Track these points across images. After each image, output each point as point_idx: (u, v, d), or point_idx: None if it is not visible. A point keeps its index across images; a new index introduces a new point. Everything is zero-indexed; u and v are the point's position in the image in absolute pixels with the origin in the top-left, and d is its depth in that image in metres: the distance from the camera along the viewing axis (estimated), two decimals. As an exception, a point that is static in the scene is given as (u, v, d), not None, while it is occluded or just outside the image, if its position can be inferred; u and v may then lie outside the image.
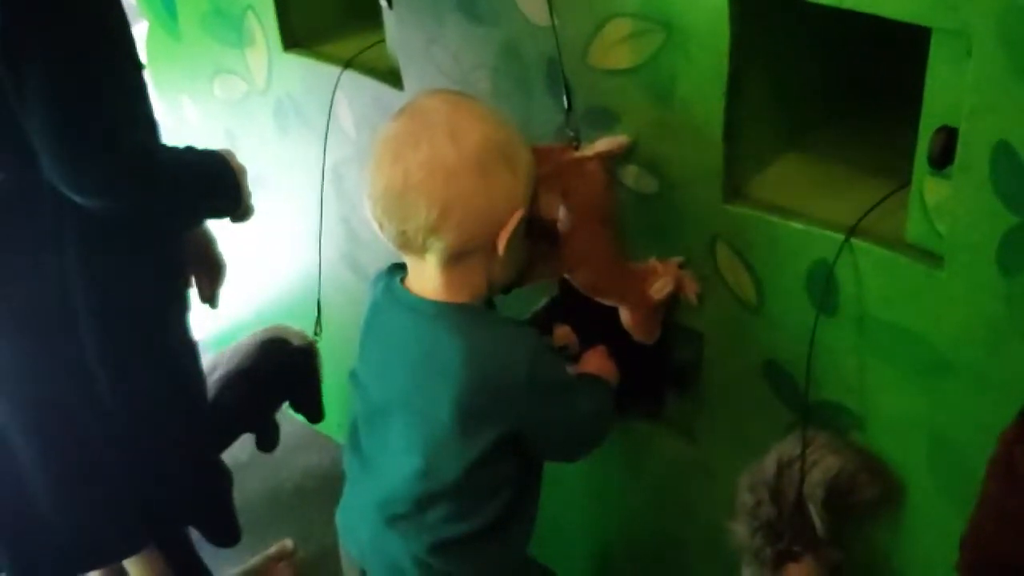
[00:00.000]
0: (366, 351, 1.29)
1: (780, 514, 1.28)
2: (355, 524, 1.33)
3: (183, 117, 2.01)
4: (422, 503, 1.24)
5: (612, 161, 1.30)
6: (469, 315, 1.20)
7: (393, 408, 1.24)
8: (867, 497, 1.27)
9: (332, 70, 1.65)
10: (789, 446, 1.28)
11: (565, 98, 1.31)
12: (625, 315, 1.31)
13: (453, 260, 1.17)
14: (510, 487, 1.26)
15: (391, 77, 1.58)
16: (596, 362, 1.39)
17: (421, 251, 1.17)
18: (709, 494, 1.46)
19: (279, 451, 1.86)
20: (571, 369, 1.36)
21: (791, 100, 1.29)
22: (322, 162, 1.68)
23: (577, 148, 1.30)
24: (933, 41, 1.04)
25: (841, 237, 1.17)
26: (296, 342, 1.74)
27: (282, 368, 1.74)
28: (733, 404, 1.39)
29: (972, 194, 1.05)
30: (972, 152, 1.03)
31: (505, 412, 1.19)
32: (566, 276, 1.32)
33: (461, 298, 1.19)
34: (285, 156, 1.82)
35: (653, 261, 1.33)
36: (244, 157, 1.87)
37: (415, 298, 1.21)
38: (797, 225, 1.21)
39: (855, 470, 1.26)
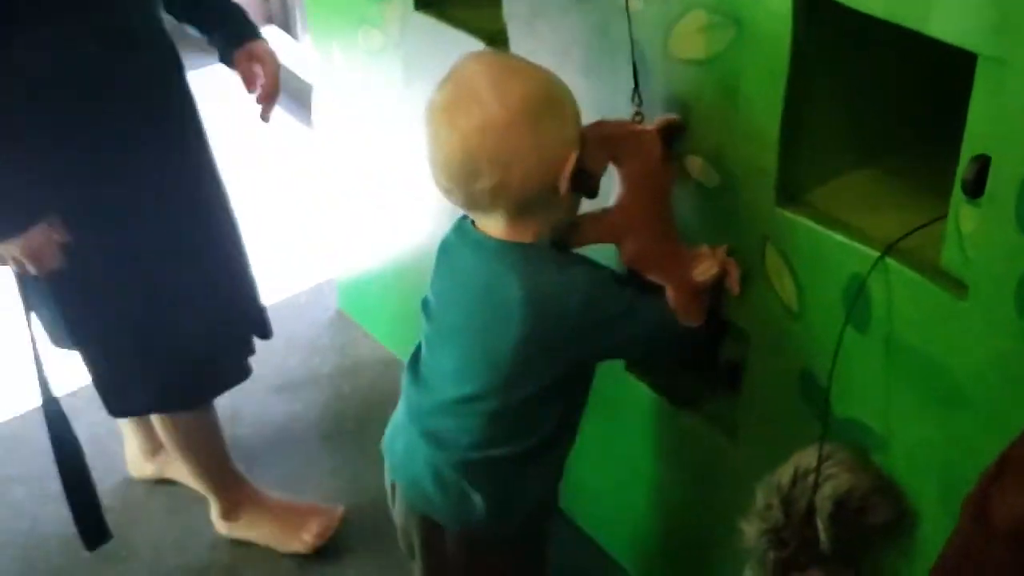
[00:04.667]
0: (436, 282, 1.36)
1: (788, 521, 1.28)
2: (394, 436, 1.42)
3: (332, 63, 2.11)
4: (461, 424, 1.32)
5: (670, 139, 1.33)
6: (530, 253, 1.26)
7: (453, 334, 1.32)
8: (878, 520, 1.25)
9: (454, 32, 1.72)
10: (808, 457, 1.28)
11: (632, 74, 1.34)
12: (670, 294, 1.33)
13: (519, 212, 1.24)
14: (547, 427, 1.33)
15: (503, 44, 1.63)
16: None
17: (490, 208, 1.24)
18: (742, 492, 1.47)
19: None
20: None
21: (862, 118, 1.28)
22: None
23: (640, 123, 1.33)
24: (977, 67, 1.02)
25: (877, 254, 1.16)
26: None
27: None
28: (771, 407, 1.39)
29: (997, 227, 1.03)
30: (1000, 184, 1.01)
31: (563, 348, 1.27)
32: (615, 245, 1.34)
33: (524, 239, 1.26)
34: (410, 108, 1.89)
35: (703, 246, 1.34)
36: (376, 105, 1.98)
37: (481, 235, 1.28)
38: (839, 237, 1.20)
39: (868, 491, 1.24)
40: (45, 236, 1.50)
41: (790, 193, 1.26)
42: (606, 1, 1.38)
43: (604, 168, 1.29)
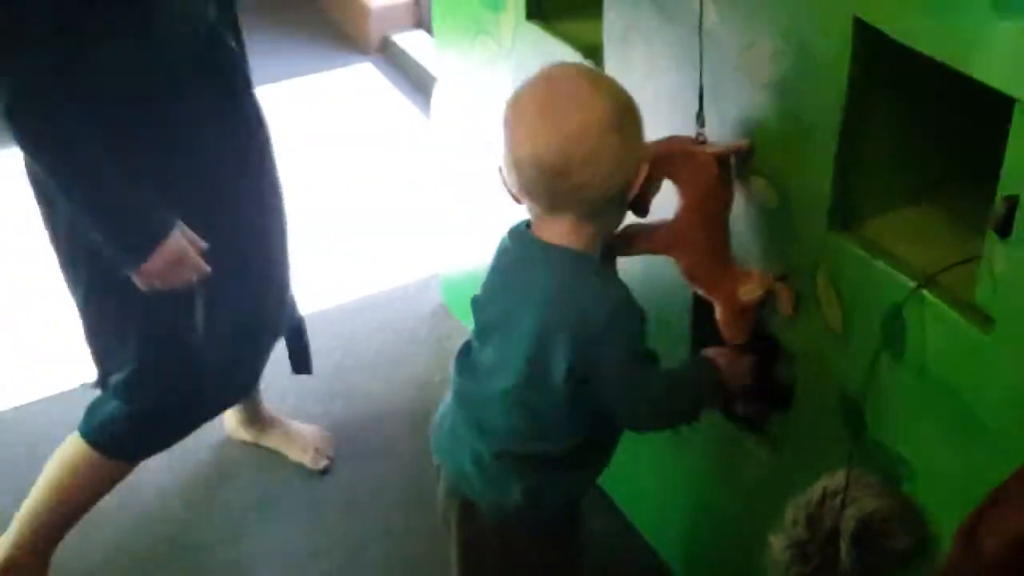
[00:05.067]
0: (488, 281, 1.42)
1: (812, 538, 1.32)
2: (442, 420, 1.49)
3: (452, 66, 2.21)
4: (502, 416, 1.38)
5: (729, 161, 1.38)
6: (580, 259, 1.31)
7: (495, 328, 1.38)
8: (899, 545, 1.28)
9: (558, 43, 1.79)
10: (837, 478, 1.31)
11: (699, 97, 1.40)
12: (717, 310, 1.38)
13: (588, 215, 1.29)
14: (580, 431, 1.38)
15: (599, 58, 1.70)
16: (722, 354, 1.45)
17: (562, 209, 1.29)
18: (782, 507, 1.50)
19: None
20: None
21: (918, 153, 1.30)
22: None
23: (702, 144, 1.39)
24: (1015, 111, 1.04)
25: (914, 284, 1.19)
26: None
27: None
28: (814, 427, 1.42)
29: (1021, 266, 1.05)
30: (1027, 224, 1.04)
31: (573, 348, 1.30)
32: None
33: (580, 245, 1.31)
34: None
35: (754, 268, 1.39)
36: (488, 108, 2.06)
37: (537, 238, 1.33)
38: (882, 265, 1.24)
39: (891, 516, 1.27)
40: (180, 244, 1.52)
41: (843, 220, 1.30)
42: (689, 25, 1.44)
43: (658, 186, 1.35)
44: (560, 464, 1.40)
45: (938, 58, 1.09)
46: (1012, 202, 1.06)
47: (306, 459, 2.10)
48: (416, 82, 3.42)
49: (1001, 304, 1.09)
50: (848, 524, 1.28)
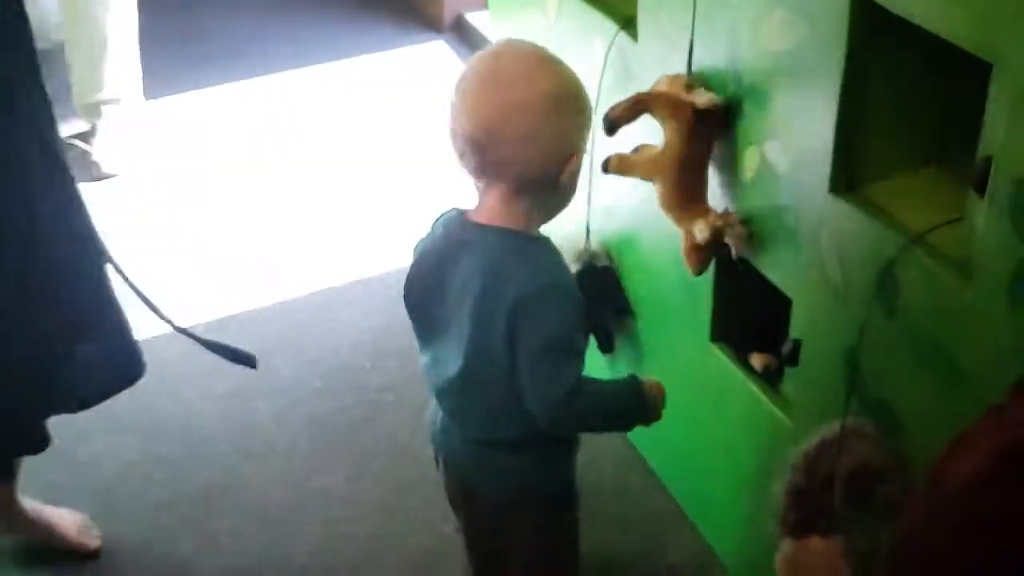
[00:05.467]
0: (420, 272, 1.43)
1: (809, 485, 1.39)
2: (433, 411, 1.52)
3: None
4: (459, 404, 1.42)
5: (712, 115, 1.50)
6: (513, 236, 1.34)
7: (449, 318, 1.39)
8: (889, 494, 1.34)
9: (597, 15, 1.87)
10: (834, 428, 1.38)
11: (689, 50, 1.56)
12: (681, 240, 1.56)
13: (518, 191, 1.33)
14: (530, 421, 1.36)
15: (632, 29, 1.78)
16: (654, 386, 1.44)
17: (494, 179, 1.33)
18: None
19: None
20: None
21: (925, 120, 1.36)
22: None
23: (691, 91, 1.51)
24: (992, 74, 1.10)
25: (905, 242, 1.25)
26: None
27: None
28: (819, 383, 1.48)
29: (996, 223, 1.11)
30: (999, 184, 1.10)
31: (505, 321, 1.30)
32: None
33: (516, 225, 1.35)
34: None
35: (712, 208, 1.53)
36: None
37: (469, 221, 1.37)
38: (877, 224, 1.30)
39: (883, 466, 1.34)
40: None
41: (845, 183, 1.36)
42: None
43: (630, 117, 1.50)
44: (530, 448, 1.42)
45: (923, 25, 1.15)
46: (988, 162, 1.11)
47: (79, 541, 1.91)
48: (487, 59, 3.51)
49: (979, 260, 1.15)
50: (841, 470, 1.35)
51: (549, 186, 1.35)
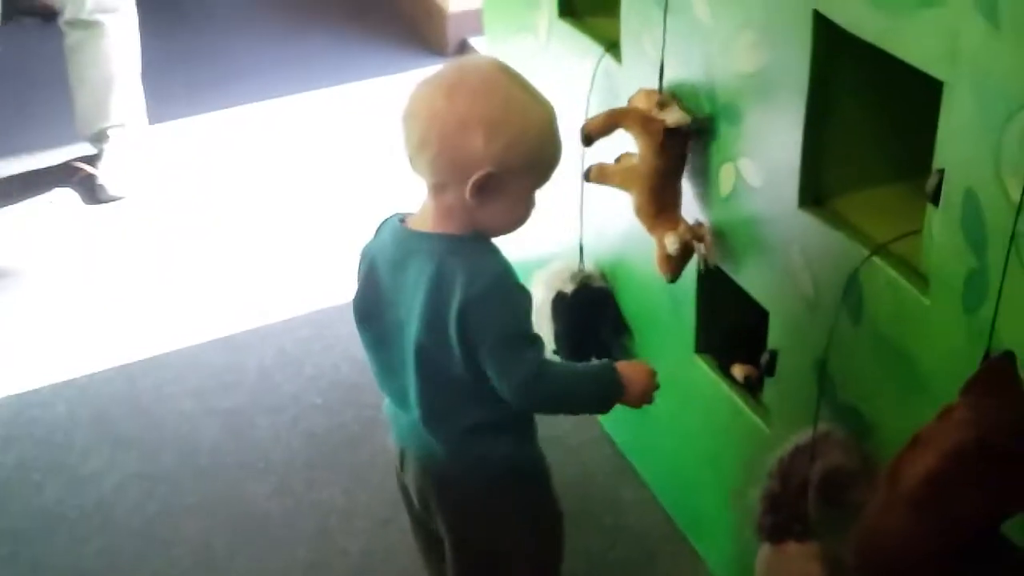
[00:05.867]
0: (369, 277, 1.47)
1: (784, 490, 1.43)
2: (396, 411, 1.54)
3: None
4: (424, 403, 1.44)
5: (683, 131, 1.56)
6: (453, 240, 1.39)
7: (402, 322, 1.43)
8: (862, 496, 1.37)
9: (584, 39, 1.93)
10: (808, 435, 1.42)
11: (659, 74, 1.62)
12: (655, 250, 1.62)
13: (435, 190, 1.40)
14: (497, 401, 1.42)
15: (616, 51, 1.83)
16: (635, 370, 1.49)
17: (421, 175, 1.40)
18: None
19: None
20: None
21: (892, 137, 1.40)
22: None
23: (664, 108, 1.58)
24: (943, 91, 1.15)
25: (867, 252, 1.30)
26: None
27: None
28: (794, 392, 1.53)
29: (949, 232, 1.16)
30: (951, 195, 1.15)
31: (457, 322, 1.35)
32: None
33: (450, 229, 1.40)
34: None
35: (684, 220, 1.59)
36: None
37: (410, 231, 1.43)
38: (842, 236, 1.34)
39: (854, 471, 1.37)
40: None
41: (813, 197, 1.41)
42: (686, 20, 1.57)
43: (604, 131, 1.58)
44: (503, 428, 1.47)
45: (878, 44, 1.20)
46: (942, 174, 1.16)
47: None
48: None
49: (936, 268, 1.20)
50: (815, 477, 1.39)
51: (459, 195, 1.37)
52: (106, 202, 3.02)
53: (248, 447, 2.24)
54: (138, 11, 3.06)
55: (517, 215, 1.44)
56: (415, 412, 1.47)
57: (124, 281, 2.73)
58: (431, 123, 1.36)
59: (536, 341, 1.43)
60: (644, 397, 1.48)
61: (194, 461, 2.21)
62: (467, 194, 1.36)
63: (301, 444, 2.25)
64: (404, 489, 1.62)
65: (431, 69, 1.40)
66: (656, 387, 1.49)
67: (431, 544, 1.65)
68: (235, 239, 2.89)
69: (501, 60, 1.47)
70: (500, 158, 1.35)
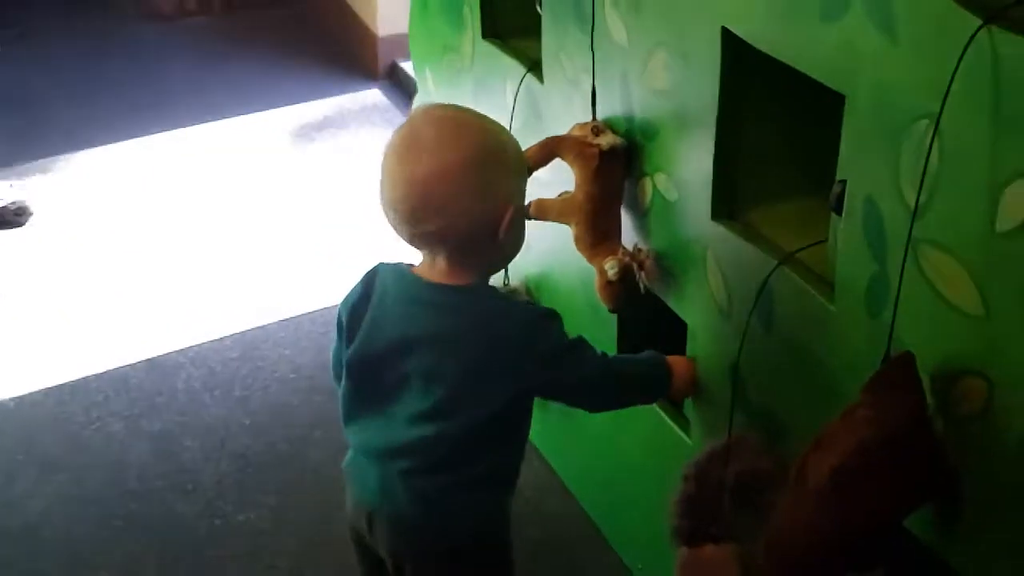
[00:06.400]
0: (374, 329, 1.42)
1: (700, 494, 1.46)
2: (363, 468, 1.48)
3: (425, 83, 2.39)
4: (427, 454, 1.40)
5: (617, 155, 1.59)
6: (470, 291, 1.38)
7: (408, 375, 1.39)
8: (776, 497, 1.42)
9: (507, 59, 1.97)
10: (722, 439, 1.46)
11: (591, 98, 1.63)
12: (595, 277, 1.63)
13: (459, 255, 1.36)
14: (500, 455, 1.45)
15: (539, 71, 1.87)
16: (676, 360, 1.59)
17: (434, 249, 1.37)
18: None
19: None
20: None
21: (801, 152, 1.46)
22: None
23: (599, 135, 1.60)
24: (846, 104, 1.20)
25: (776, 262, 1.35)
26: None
27: None
28: (711, 398, 1.57)
29: (851, 241, 1.21)
30: (853, 203, 1.20)
31: (508, 374, 1.37)
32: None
33: (464, 281, 1.38)
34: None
35: (623, 245, 1.61)
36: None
37: (424, 282, 1.38)
38: (755, 247, 1.39)
39: (768, 473, 1.41)
40: None
41: (725, 210, 1.46)
42: (604, 42, 1.61)
43: (540, 160, 1.59)
44: (486, 484, 1.45)
45: (784, 60, 1.25)
46: (844, 184, 1.21)
47: None
48: (418, 106, 3.61)
49: (840, 276, 1.24)
50: (730, 480, 1.43)
51: (489, 244, 1.36)
52: (22, 225, 3.00)
53: (177, 469, 2.24)
54: (66, 36, 3.05)
55: (522, 235, 1.43)
56: (398, 461, 1.42)
57: (49, 304, 2.72)
58: (448, 188, 1.30)
59: (582, 340, 1.46)
60: (689, 387, 1.59)
61: (123, 483, 2.20)
62: (502, 232, 1.34)
63: (230, 465, 2.25)
64: (365, 551, 1.55)
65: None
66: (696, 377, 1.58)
67: None
68: (162, 261, 2.89)
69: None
70: (512, 181, 1.37)
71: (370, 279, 1.44)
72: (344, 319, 1.45)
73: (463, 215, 1.32)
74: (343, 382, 1.46)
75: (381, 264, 1.46)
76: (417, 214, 1.32)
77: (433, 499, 1.43)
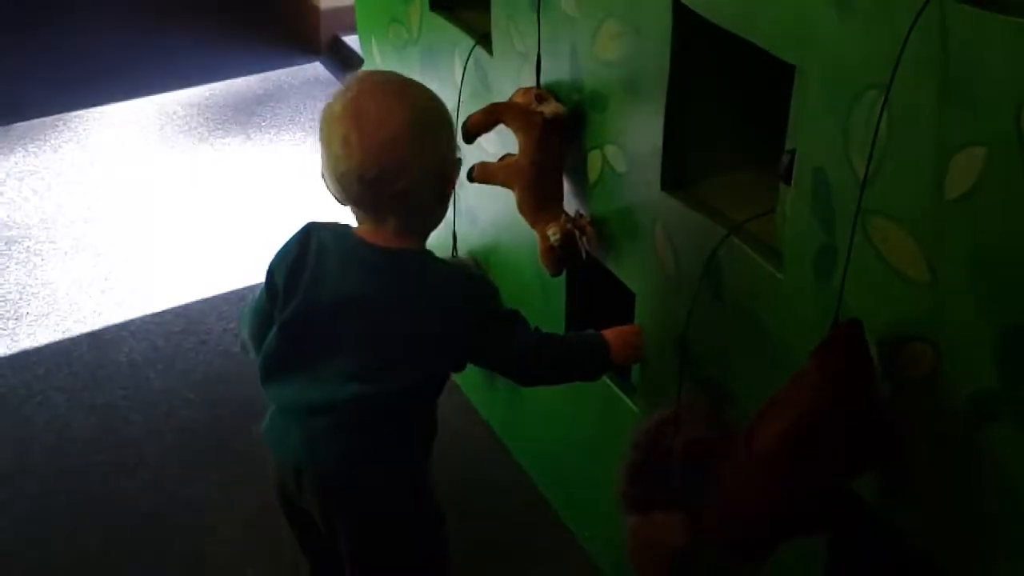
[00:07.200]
0: (315, 287, 1.43)
1: (647, 461, 1.48)
2: (284, 429, 1.49)
3: (371, 53, 2.38)
4: (360, 411, 1.43)
5: (559, 123, 1.61)
6: (421, 260, 1.44)
7: (340, 334, 1.42)
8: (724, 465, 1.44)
9: (456, 30, 1.96)
10: (671, 407, 1.47)
11: (536, 65, 1.65)
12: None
13: (410, 216, 1.41)
14: (428, 408, 1.51)
15: (488, 43, 1.87)
16: (616, 332, 1.62)
17: (388, 213, 1.40)
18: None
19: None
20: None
21: (749, 124, 1.47)
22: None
23: (542, 102, 1.62)
24: (796, 74, 1.21)
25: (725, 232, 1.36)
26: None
27: None
28: (659, 368, 1.58)
29: (800, 210, 1.22)
30: (802, 174, 1.21)
31: (451, 339, 1.44)
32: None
33: (411, 245, 1.43)
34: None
35: (565, 212, 1.62)
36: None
37: (370, 245, 1.41)
38: (704, 217, 1.41)
39: (716, 439, 1.43)
40: None
41: (674, 181, 1.47)
42: (554, 12, 1.61)
43: (486, 126, 1.60)
44: (413, 436, 1.51)
45: (734, 30, 1.26)
46: (793, 154, 1.22)
47: None
48: (359, 79, 3.59)
49: (789, 245, 1.26)
50: (678, 447, 1.45)
51: (435, 205, 1.44)
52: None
53: (120, 443, 2.22)
54: (-1, 7, 3.00)
55: (449, 198, 1.49)
56: (326, 418, 1.43)
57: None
58: (399, 149, 1.35)
59: (516, 313, 1.51)
60: (635, 353, 1.60)
61: (65, 458, 2.18)
62: (446, 194, 1.43)
63: (174, 439, 2.23)
64: (292, 509, 1.57)
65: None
66: (641, 343, 1.60)
67: (319, 554, 1.64)
68: (103, 234, 2.85)
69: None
70: (453, 141, 1.44)
71: (303, 238, 1.45)
72: (280, 279, 1.45)
73: (425, 173, 1.38)
74: (269, 341, 1.46)
75: (313, 223, 1.47)
76: (387, 175, 1.35)
77: (361, 455, 1.46)
